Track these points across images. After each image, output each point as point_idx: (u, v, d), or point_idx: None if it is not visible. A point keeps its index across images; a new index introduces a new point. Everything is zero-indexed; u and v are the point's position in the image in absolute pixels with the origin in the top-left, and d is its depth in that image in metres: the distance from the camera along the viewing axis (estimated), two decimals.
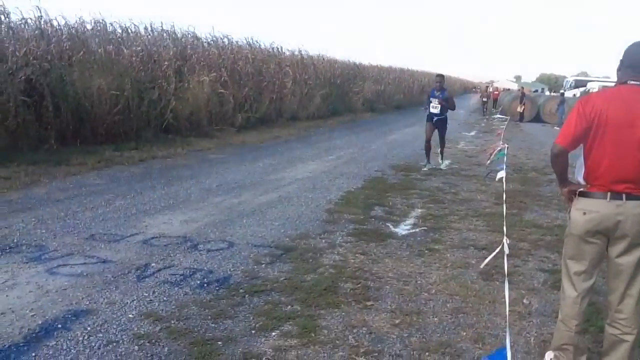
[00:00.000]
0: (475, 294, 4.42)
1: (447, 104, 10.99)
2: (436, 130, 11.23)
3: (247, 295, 4.21)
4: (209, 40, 18.06)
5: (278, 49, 23.12)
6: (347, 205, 7.36)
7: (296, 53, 24.55)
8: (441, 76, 11.11)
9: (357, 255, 5.31)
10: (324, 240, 5.73)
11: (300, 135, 16.89)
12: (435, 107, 10.94)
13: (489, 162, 8.31)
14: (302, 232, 6.03)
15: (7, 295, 4.03)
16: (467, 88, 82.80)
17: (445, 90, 11.09)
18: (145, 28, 15.93)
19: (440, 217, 6.96)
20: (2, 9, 10.62)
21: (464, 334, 3.75)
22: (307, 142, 14.95)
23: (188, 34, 17.30)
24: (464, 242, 5.91)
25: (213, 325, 3.70)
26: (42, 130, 10.19)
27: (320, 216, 6.74)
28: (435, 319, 3.96)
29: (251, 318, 3.83)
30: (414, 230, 6.31)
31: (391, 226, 6.44)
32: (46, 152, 9.75)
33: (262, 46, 21.76)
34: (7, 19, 10.71)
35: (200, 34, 17.88)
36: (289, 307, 4.03)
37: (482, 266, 4.40)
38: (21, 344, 3.35)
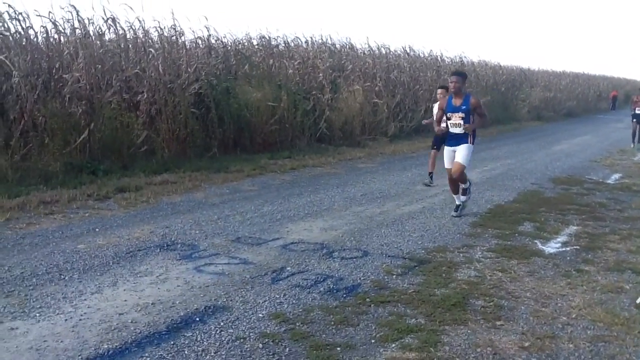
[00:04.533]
0: (624, 323, 3.97)
1: (477, 120, 6.96)
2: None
3: (372, 305, 4.23)
4: (364, 50, 18.44)
5: (437, 56, 22.84)
6: (494, 219, 7.03)
7: (456, 60, 24.08)
8: (460, 75, 7.04)
9: (495, 272, 5.06)
10: (461, 255, 5.54)
11: None
12: (456, 125, 6.93)
13: None
14: (440, 244, 5.89)
15: (159, 288, 4.49)
16: None
17: (469, 96, 6.97)
18: (306, 41, 16.77)
19: (598, 236, 6.35)
20: (178, 29, 11.85)
21: None
22: None
23: (346, 45, 17.84)
24: (620, 264, 5.34)
25: (335, 331, 3.78)
26: (207, 140, 11.21)
27: (462, 229, 6.53)
28: (571, 345, 3.64)
29: (373, 327, 3.84)
30: (564, 249, 5.84)
31: (539, 243, 6.03)
32: (209, 160, 10.68)
33: (421, 54, 21.68)
34: (182, 39, 11.93)
35: (356, 44, 18.36)
36: (413, 320, 3.97)
37: (638, 301, 3.95)
38: (164, 332, 3.72)
